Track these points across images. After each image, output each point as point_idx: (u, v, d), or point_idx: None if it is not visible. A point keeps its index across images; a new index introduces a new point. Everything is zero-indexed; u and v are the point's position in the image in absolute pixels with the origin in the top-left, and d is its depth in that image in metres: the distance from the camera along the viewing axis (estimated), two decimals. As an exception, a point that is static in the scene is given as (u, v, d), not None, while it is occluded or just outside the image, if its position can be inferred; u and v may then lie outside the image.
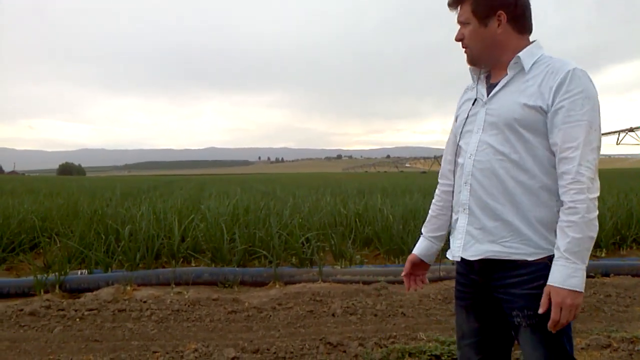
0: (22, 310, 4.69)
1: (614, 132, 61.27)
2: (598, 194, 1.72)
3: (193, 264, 6.66)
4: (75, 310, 4.74)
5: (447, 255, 2.07)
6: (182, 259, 6.71)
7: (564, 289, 1.66)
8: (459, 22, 1.94)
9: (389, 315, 4.77)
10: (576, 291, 1.66)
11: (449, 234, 2.12)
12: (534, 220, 1.78)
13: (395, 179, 39.65)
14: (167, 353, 3.87)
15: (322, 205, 10.85)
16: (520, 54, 1.84)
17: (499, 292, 1.86)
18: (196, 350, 3.88)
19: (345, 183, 28.47)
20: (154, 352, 3.90)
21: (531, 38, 1.93)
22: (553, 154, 1.77)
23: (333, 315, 4.75)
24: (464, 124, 1.99)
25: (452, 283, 5.68)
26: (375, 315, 4.77)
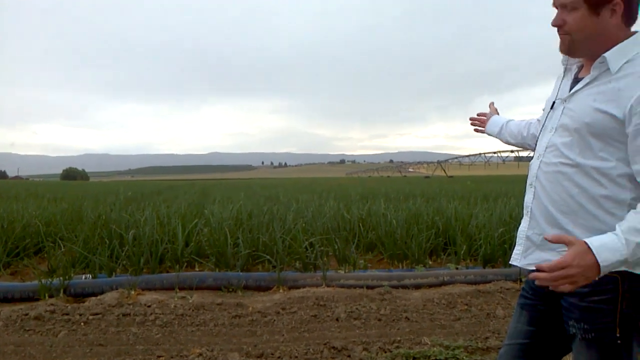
0: (27, 314, 4.70)
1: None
2: None
3: (197, 269, 6.67)
4: (80, 315, 4.75)
5: (510, 261, 1.96)
6: (185, 264, 6.71)
7: (593, 255, 1.48)
8: (560, 4, 1.72)
9: (393, 320, 4.77)
10: (600, 265, 1.48)
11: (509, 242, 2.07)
12: (596, 232, 1.62)
13: (399, 184, 39.63)
14: (172, 357, 3.89)
15: (326, 210, 10.85)
16: (607, 53, 1.66)
17: (563, 298, 1.75)
18: (200, 354, 3.89)
19: (349, 188, 28.46)
20: (159, 356, 3.92)
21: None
22: (625, 165, 1.63)
23: (337, 319, 4.75)
24: (545, 119, 1.87)
25: (455, 288, 5.72)
26: (379, 319, 4.77)
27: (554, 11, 1.76)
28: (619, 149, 1.63)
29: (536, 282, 1.53)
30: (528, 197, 1.85)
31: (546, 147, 1.80)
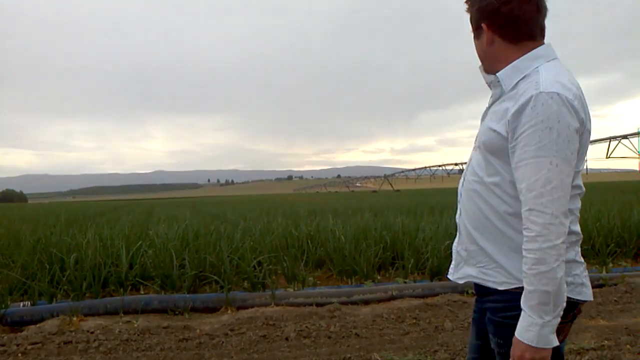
0: (-41, 347, 4.46)
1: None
2: (561, 239, 1.51)
3: (142, 292, 6.50)
4: (17, 345, 4.53)
5: (447, 275, 2.00)
6: (130, 287, 6.53)
7: (521, 342, 1.54)
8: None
9: (343, 337, 4.77)
10: (533, 347, 1.52)
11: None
12: (506, 248, 1.68)
13: (347, 199, 39.88)
14: (116, 386, 3.75)
15: (274, 227, 10.79)
16: (500, 72, 1.71)
17: (485, 312, 1.81)
18: (146, 381, 3.77)
19: (297, 204, 28.45)
20: (102, 385, 3.78)
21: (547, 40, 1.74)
22: None
23: (287, 339, 4.71)
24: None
25: (404, 303, 5.75)
26: (329, 337, 4.76)
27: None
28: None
29: None
30: (457, 214, 1.90)
31: (467, 166, 1.87)
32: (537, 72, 1.63)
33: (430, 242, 7.81)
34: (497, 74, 1.71)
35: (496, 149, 1.67)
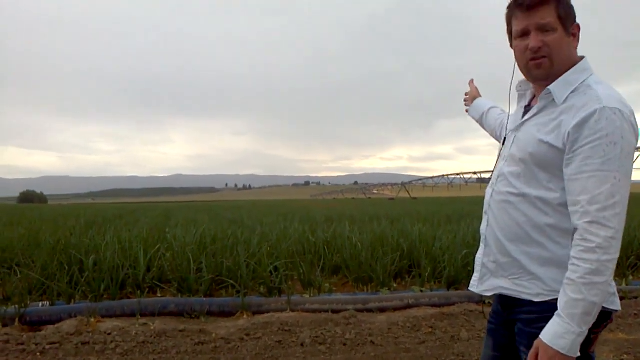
0: (-21, 345, 4.52)
1: None
2: (618, 254, 1.53)
3: (159, 295, 6.54)
4: (36, 344, 4.59)
5: (469, 287, 1.99)
6: (147, 290, 6.57)
7: (552, 348, 1.53)
8: (539, 26, 1.68)
9: (358, 344, 4.75)
10: (563, 354, 1.51)
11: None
12: (543, 260, 1.68)
13: (363, 206, 39.78)
14: (132, 387, 3.78)
15: (291, 233, 10.80)
16: (552, 85, 1.68)
17: (516, 324, 1.79)
18: (162, 384, 3.79)
19: (314, 210, 28.45)
20: (118, 386, 3.81)
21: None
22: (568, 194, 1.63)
23: (302, 345, 4.71)
24: (501, 148, 1.91)
25: (420, 311, 5.72)
26: (345, 344, 4.74)
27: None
28: (563, 179, 1.64)
29: None
30: (483, 225, 1.88)
31: (498, 177, 1.85)
32: (589, 86, 1.64)
33: (447, 251, 7.76)
34: (550, 87, 1.69)
35: (546, 160, 1.66)
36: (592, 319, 1.52)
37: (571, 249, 1.56)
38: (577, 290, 1.51)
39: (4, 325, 5.17)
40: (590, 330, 1.55)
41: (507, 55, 1.85)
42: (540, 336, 1.56)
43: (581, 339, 1.52)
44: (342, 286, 7.37)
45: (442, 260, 7.43)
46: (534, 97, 1.86)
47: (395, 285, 7.15)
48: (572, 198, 1.58)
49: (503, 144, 1.91)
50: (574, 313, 1.51)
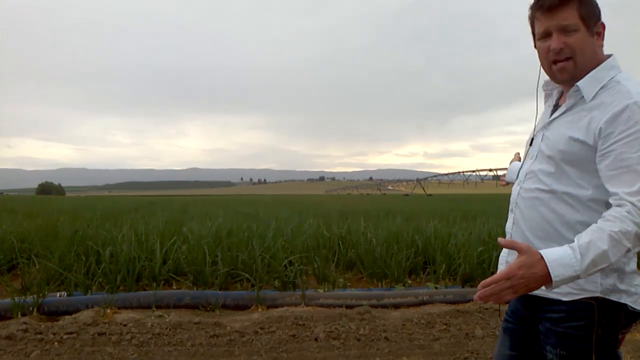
0: (-2, 333, 4.59)
1: None
2: None
3: (174, 287, 6.59)
4: (54, 334, 4.65)
5: None
6: (163, 282, 6.63)
7: (544, 261, 1.46)
8: (560, 27, 1.67)
9: (372, 340, 4.75)
10: (545, 279, 1.45)
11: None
12: None
13: (378, 202, 39.72)
14: (148, 378, 3.81)
15: (305, 227, 10.82)
16: (580, 82, 1.68)
17: (541, 323, 1.76)
18: (177, 375, 3.82)
19: (328, 205, 28.47)
20: (134, 377, 3.84)
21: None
22: (600, 191, 1.62)
23: (316, 339, 4.72)
24: (530, 144, 1.88)
25: (434, 308, 5.70)
26: (359, 340, 4.75)
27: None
28: (594, 175, 1.64)
29: (475, 297, 1.51)
30: (508, 223, 1.86)
31: (526, 174, 1.83)
32: (618, 82, 1.64)
33: (462, 248, 7.73)
34: (578, 84, 1.68)
35: (577, 157, 1.66)
36: (593, 272, 1.48)
37: (608, 214, 1.53)
38: (603, 239, 1.47)
39: (23, 315, 5.24)
40: (619, 330, 1.53)
41: (533, 56, 1.71)
42: (543, 252, 1.48)
43: (569, 282, 1.49)
44: (356, 281, 7.37)
45: (457, 257, 7.40)
46: (561, 95, 1.85)
47: (409, 281, 7.13)
48: (612, 190, 1.56)
49: (531, 144, 1.89)
50: (587, 255, 1.46)
